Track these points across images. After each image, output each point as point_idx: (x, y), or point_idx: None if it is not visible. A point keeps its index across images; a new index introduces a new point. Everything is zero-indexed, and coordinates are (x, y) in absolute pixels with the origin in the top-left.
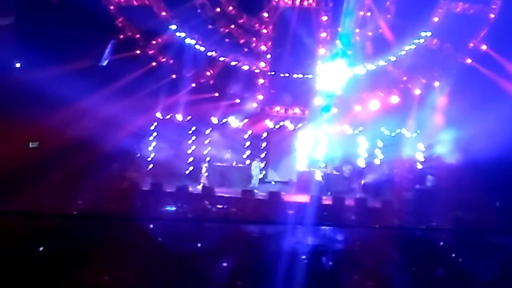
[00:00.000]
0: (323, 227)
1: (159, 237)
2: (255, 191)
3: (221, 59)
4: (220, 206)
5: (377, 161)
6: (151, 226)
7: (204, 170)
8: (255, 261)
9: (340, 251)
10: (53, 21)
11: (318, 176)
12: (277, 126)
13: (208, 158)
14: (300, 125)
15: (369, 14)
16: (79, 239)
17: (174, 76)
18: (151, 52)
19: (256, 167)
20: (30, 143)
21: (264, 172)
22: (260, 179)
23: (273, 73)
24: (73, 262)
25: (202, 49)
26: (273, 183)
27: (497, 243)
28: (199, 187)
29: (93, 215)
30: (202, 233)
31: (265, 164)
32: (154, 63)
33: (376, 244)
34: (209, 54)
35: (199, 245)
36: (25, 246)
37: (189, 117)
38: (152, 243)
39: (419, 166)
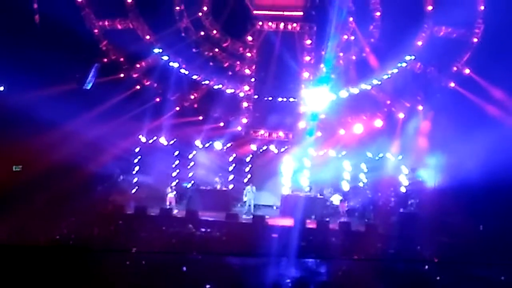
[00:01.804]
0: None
1: (142, 267)
2: (250, 216)
3: (205, 82)
4: (203, 230)
5: (361, 185)
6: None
7: (169, 191)
8: None
9: (323, 283)
10: (37, 44)
11: (336, 201)
12: (261, 150)
13: (192, 182)
14: (284, 148)
15: (352, 38)
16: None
17: (158, 99)
18: (135, 75)
19: (249, 192)
20: (14, 167)
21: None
22: (244, 202)
23: (257, 96)
24: None
25: (186, 72)
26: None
27: (481, 274)
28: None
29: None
30: (185, 263)
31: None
32: (138, 87)
33: (359, 275)
34: (193, 77)
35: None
36: None
37: (173, 141)
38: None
39: (403, 190)
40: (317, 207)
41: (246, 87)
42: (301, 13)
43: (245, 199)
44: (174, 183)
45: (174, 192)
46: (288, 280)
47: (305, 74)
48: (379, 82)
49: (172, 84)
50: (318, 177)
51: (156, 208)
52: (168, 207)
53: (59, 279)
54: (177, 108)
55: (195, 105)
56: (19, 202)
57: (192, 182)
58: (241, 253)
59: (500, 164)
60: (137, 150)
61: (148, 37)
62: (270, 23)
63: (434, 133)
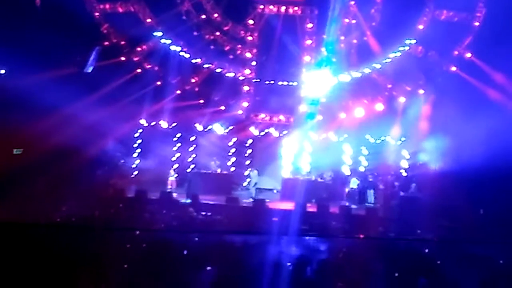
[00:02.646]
0: (307, 237)
1: (144, 246)
2: (251, 199)
3: (206, 66)
4: (204, 213)
5: (361, 168)
6: (136, 235)
7: (172, 174)
8: (239, 270)
9: (324, 261)
10: (38, 28)
11: (354, 184)
12: (262, 133)
13: (193, 165)
14: (285, 132)
15: (354, 21)
16: (62, 249)
17: (159, 83)
18: (136, 59)
19: (253, 176)
20: (14, 150)
21: (249, 179)
22: (245, 186)
23: (258, 80)
24: (56, 273)
25: (187, 56)
26: (251, 189)
27: (481, 254)
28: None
29: (77, 225)
30: (186, 243)
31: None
32: (139, 70)
33: (360, 254)
34: (194, 61)
35: (184, 254)
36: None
37: (174, 124)
38: (137, 253)
39: (404, 174)
40: (318, 190)
41: (247, 71)
42: None
43: (249, 183)
44: (175, 166)
45: (176, 175)
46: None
47: (306, 58)
48: (380, 66)
49: (173, 68)
50: (319, 161)
51: (157, 191)
52: (168, 190)
53: (59, 257)
54: (178, 92)
55: (196, 89)
56: (20, 185)
57: (193, 166)
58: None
59: (501, 148)
60: (137, 133)
61: (149, 20)
62: (271, 7)
63: (435, 117)
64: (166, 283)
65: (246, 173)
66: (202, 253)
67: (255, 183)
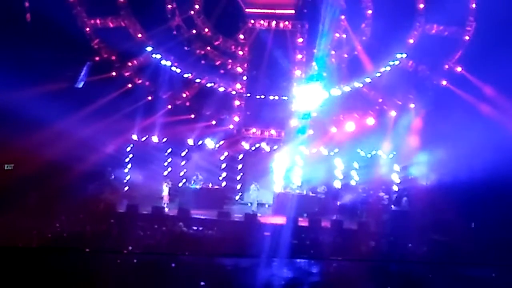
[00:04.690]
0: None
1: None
2: (258, 214)
3: (197, 80)
4: (195, 228)
5: (353, 182)
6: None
7: (165, 189)
8: None
9: (316, 283)
10: (28, 42)
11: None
12: (253, 148)
13: (184, 180)
14: (276, 146)
15: (344, 36)
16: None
17: (150, 97)
18: (127, 74)
19: (254, 190)
20: (5, 165)
21: (240, 194)
22: (237, 200)
23: (249, 94)
24: None
25: (178, 70)
26: (249, 205)
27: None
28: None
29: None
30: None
31: (241, 186)
32: (130, 85)
33: (352, 274)
34: (185, 75)
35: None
36: None
37: (165, 139)
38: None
39: (395, 188)
40: (309, 205)
41: (238, 85)
42: (293, 11)
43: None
44: (168, 182)
45: (167, 189)
46: (281, 281)
47: (297, 72)
48: (371, 80)
49: (164, 83)
50: (310, 175)
51: (148, 206)
52: (164, 205)
53: (50, 280)
54: (169, 107)
55: (187, 103)
56: (11, 201)
57: (184, 180)
58: (233, 253)
59: (492, 161)
60: (129, 148)
61: (140, 35)
62: (262, 21)
63: (426, 131)
64: None
65: (252, 187)
66: (193, 275)
67: (256, 197)
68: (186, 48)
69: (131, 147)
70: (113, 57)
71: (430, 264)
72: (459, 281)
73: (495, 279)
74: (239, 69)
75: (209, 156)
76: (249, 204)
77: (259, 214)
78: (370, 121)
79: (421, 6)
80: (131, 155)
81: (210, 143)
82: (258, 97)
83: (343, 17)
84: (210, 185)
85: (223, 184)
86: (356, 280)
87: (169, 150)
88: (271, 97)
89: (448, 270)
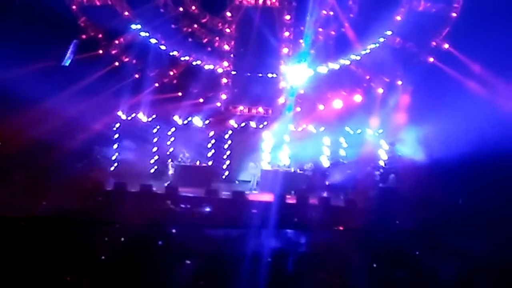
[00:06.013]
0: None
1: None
2: (254, 192)
3: (184, 58)
4: (183, 206)
5: (340, 159)
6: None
7: (170, 168)
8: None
9: (303, 253)
10: (14, 21)
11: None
12: (240, 126)
13: (170, 159)
14: (263, 124)
15: (332, 13)
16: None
17: (137, 75)
18: (114, 52)
19: (253, 168)
20: None
21: (227, 172)
22: (224, 178)
23: (236, 72)
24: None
25: (165, 48)
26: (237, 182)
27: (459, 244)
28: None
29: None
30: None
31: (229, 164)
32: (117, 63)
33: (339, 245)
34: (172, 53)
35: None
36: None
37: (152, 117)
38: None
39: (383, 165)
40: (297, 182)
41: (225, 63)
42: None
43: (251, 175)
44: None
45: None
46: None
47: (284, 50)
48: (359, 57)
49: (151, 61)
50: (298, 153)
51: (136, 184)
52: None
53: (39, 249)
54: (156, 84)
55: (174, 81)
56: None
57: (170, 160)
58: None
59: (479, 138)
60: (116, 126)
61: (126, 13)
62: None
63: (413, 108)
64: (146, 276)
65: (251, 164)
66: (181, 245)
67: (254, 175)
68: (173, 26)
69: (119, 125)
70: (100, 35)
71: (415, 234)
72: (444, 249)
73: (480, 248)
74: (226, 47)
75: (196, 134)
76: (250, 183)
77: (255, 192)
78: (358, 98)
79: None
80: (118, 134)
81: (197, 121)
82: (245, 74)
83: None
84: (198, 162)
85: (210, 162)
86: (341, 248)
87: (156, 128)
88: (259, 75)
89: (433, 240)
